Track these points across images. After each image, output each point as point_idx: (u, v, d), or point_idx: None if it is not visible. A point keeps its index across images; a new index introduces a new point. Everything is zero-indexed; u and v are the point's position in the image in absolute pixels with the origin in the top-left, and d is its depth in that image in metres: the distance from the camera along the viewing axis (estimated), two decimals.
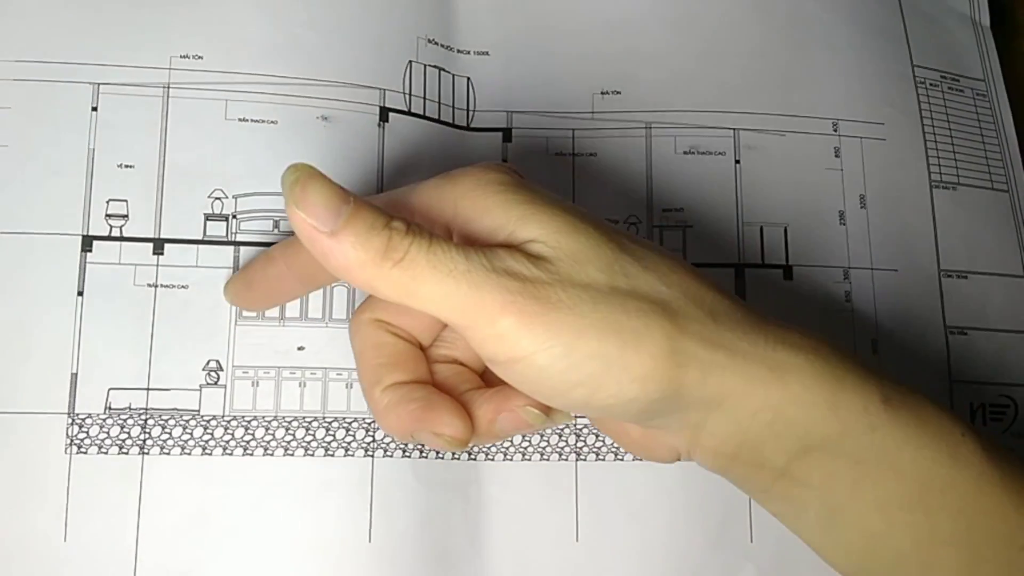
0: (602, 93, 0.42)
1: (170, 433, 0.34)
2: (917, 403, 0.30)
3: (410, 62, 0.40)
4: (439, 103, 0.40)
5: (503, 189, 0.29)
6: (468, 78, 0.41)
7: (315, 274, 0.33)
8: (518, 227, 0.28)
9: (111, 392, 0.34)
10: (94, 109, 0.37)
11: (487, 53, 0.41)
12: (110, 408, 0.34)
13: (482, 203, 0.29)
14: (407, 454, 0.35)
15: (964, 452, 0.29)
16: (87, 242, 0.35)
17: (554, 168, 0.40)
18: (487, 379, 0.33)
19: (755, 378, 0.28)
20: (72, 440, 0.34)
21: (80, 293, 0.35)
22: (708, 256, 0.40)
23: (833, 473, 0.29)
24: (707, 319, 0.28)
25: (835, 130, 0.42)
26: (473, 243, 0.28)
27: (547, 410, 0.31)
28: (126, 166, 0.36)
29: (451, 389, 0.32)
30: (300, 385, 0.35)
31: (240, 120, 0.37)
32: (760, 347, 0.29)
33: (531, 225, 0.28)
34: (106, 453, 0.34)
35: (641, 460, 0.37)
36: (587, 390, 0.27)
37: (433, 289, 0.27)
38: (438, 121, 0.40)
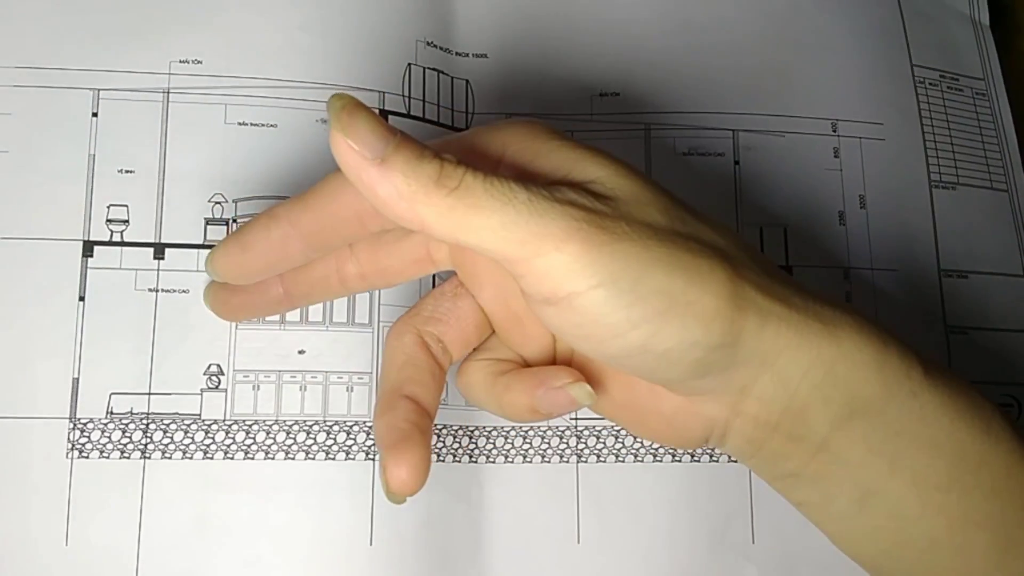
0: (601, 95, 0.42)
1: (171, 437, 0.34)
2: (950, 376, 0.30)
3: (409, 65, 0.40)
4: (438, 105, 0.40)
5: (555, 137, 0.29)
6: (467, 80, 0.41)
7: (325, 235, 0.30)
8: (575, 168, 0.28)
9: (112, 397, 0.34)
10: (94, 115, 0.37)
11: (486, 55, 0.41)
12: (112, 412, 0.34)
13: (535, 147, 0.29)
14: None
15: (995, 428, 0.29)
16: (88, 247, 0.35)
17: None
18: None
19: (809, 331, 0.28)
20: (74, 444, 0.34)
21: (81, 298, 0.35)
22: None
23: (872, 447, 0.29)
24: (761, 272, 0.28)
25: (834, 130, 0.42)
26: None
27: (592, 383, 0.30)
28: (126, 171, 0.36)
29: (492, 376, 0.31)
30: (301, 389, 0.35)
31: (240, 124, 0.37)
32: (811, 303, 0.28)
33: (589, 166, 0.28)
34: (108, 457, 0.34)
35: (643, 463, 0.37)
36: (649, 329, 0.26)
37: (490, 219, 0.25)
38: (437, 123, 0.40)
